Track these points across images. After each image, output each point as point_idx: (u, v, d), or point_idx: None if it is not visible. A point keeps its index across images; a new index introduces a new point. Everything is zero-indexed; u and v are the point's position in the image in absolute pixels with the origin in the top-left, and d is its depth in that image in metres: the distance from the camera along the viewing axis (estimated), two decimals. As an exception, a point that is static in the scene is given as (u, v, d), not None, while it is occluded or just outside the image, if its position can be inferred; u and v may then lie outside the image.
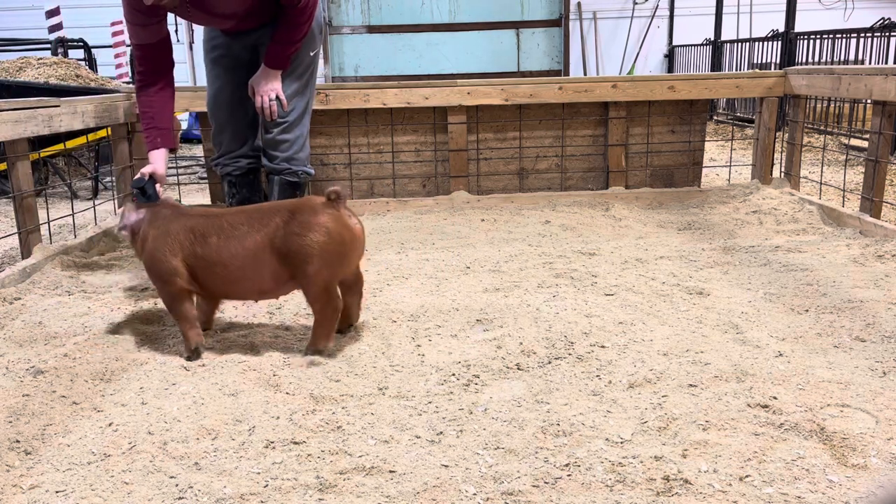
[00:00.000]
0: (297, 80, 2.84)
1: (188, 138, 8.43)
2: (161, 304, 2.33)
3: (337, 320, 1.95)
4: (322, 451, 1.48)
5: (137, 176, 2.40)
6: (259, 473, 1.41)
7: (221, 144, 2.99)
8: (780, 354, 1.88)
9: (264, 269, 1.92)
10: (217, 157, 3.02)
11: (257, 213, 1.96)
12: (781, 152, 4.00)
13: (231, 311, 2.32)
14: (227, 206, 3.01)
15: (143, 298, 2.45)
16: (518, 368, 1.84)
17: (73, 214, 3.44)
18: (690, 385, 1.72)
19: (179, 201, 2.70)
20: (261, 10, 2.67)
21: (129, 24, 2.51)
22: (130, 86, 6.21)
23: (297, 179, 2.91)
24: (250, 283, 1.95)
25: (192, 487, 1.37)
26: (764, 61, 7.95)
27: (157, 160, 2.53)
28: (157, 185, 2.44)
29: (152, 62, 2.55)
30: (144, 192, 2.36)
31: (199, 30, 9.85)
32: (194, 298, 2.03)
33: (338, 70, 9.97)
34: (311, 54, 2.87)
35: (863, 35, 6.58)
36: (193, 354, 1.95)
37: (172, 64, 2.62)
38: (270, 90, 2.76)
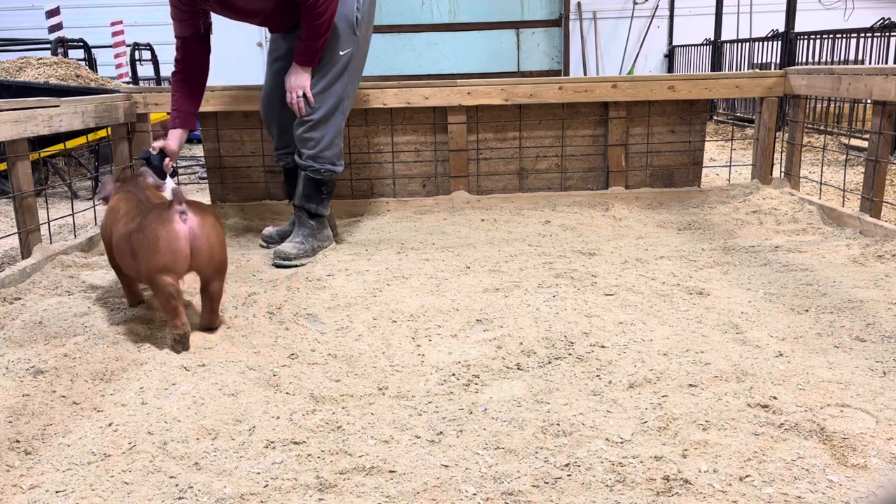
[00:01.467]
0: (322, 79, 2.89)
1: (188, 138, 8.44)
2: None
3: (175, 311, 1.98)
4: (322, 451, 1.48)
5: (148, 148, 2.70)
6: (259, 473, 1.41)
7: (273, 139, 3.20)
8: (780, 354, 1.88)
9: (128, 257, 2.09)
10: (274, 150, 3.24)
11: (144, 206, 2.12)
12: (781, 152, 4.00)
13: (231, 311, 2.32)
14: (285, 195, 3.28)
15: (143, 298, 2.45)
16: (518, 368, 1.84)
17: (73, 214, 3.44)
18: (690, 385, 1.72)
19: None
20: (284, 9, 2.78)
21: (172, 19, 2.82)
22: (130, 86, 6.21)
23: (320, 177, 2.95)
24: (129, 266, 2.12)
25: (192, 487, 1.37)
26: (764, 61, 7.95)
27: (172, 138, 2.84)
28: (167, 161, 2.77)
29: (185, 52, 2.86)
30: (149, 163, 2.66)
31: (199, 30, 9.87)
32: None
33: (338, 70, 9.96)
34: (341, 53, 2.89)
35: (863, 35, 6.58)
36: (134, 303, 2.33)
37: (204, 57, 2.89)
38: (298, 87, 2.86)
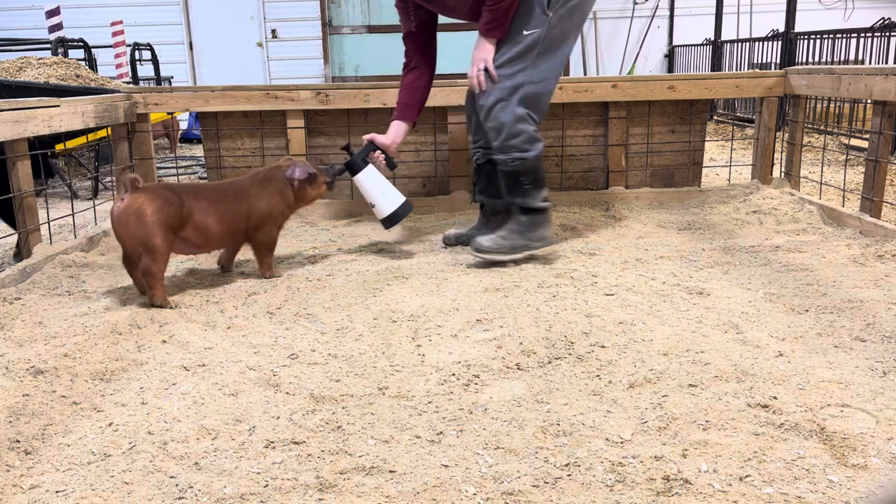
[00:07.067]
0: (501, 56, 2.68)
1: (188, 138, 8.43)
2: (160, 304, 2.36)
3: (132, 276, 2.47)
4: (322, 451, 1.48)
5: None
6: (259, 473, 1.41)
7: (470, 132, 3.06)
8: (780, 354, 1.88)
9: None
10: (470, 143, 3.10)
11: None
12: (781, 152, 4.00)
13: (231, 310, 2.32)
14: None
15: (143, 298, 2.45)
16: (518, 368, 1.84)
17: (73, 214, 3.44)
18: (690, 385, 1.72)
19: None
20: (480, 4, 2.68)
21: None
22: (130, 86, 6.21)
23: (510, 168, 2.74)
24: None
25: (192, 487, 1.37)
26: (764, 61, 7.95)
27: (390, 130, 2.91)
28: (377, 153, 2.89)
29: (407, 47, 2.94)
30: (349, 151, 2.89)
31: (198, 30, 9.88)
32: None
33: (338, 70, 9.98)
34: (525, 33, 2.66)
35: (863, 35, 6.58)
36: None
37: (423, 51, 2.93)
38: (479, 60, 2.70)
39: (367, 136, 2.92)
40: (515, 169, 2.74)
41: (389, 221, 2.93)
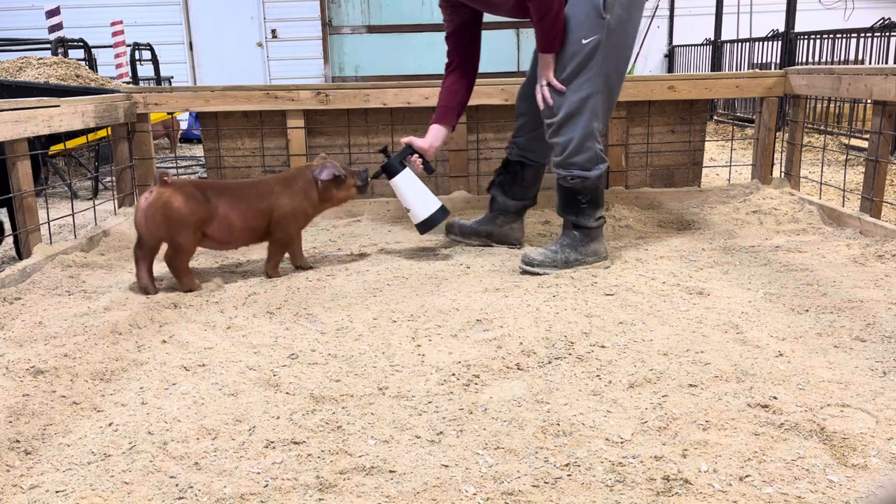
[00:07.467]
0: (563, 72, 2.59)
1: (188, 138, 8.43)
2: (158, 304, 2.35)
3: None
4: (322, 451, 1.48)
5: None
6: (259, 473, 1.41)
7: (515, 130, 3.01)
8: (780, 354, 1.88)
9: None
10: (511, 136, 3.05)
11: None
12: (781, 152, 4.00)
13: (231, 310, 2.32)
14: None
15: (143, 298, 2.45)
16: (518, 368, 1.84)
17: (73, 214, 3.44)
18: (690, 385, 1.72)
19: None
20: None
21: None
22: (130, 86, 6.21)
23: (569, 185, 2.67)
24: None
25: (192, 487, 1.37)
26: (764, 61, 7.95)
27: (429, 133, 2.86)
28: (415, 156, 2.86)
29: (449, 48, 2.87)
30: (386, 154, 2.90)
31: (198, 30, 9.88)
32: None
33: (338, 70, 9.98)
34: (584, 42, 2.53)
35: (863, 35, 6.58)
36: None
37: (468, 52, 2.86)
38: (542, 76, 2.64)
39: (405, 139, 2.89)
40: (574, 187, 2.66)
41: (425, 227, 2.89)
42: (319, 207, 2.73)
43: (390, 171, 2.88)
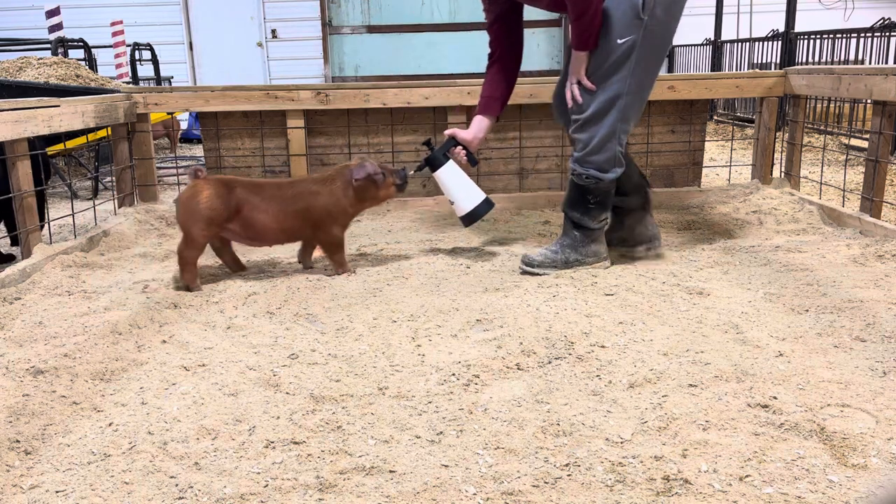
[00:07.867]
0: (596, 70, 2.54)
1: (188, 138, 8.43)
2: (158, 304, 2.35)
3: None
4: (322, 451, 1.48)
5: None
6: (259, 473, 1.41)
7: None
8: (780, 354, 1.88)
9: None
10: None
11: None
12: (781, 152, 4.00)
13: (231, 310, 2.32)
14: None
15: (143, 298, 2.45)
16: (518, 368, 1.84)
17: (73, 214, 3.44)
18: (690, 385, 1.72)
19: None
20: None
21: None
22: (130, 86, 6.21)
23: (583, 183, 2.62)
24: None
25: (192, 487, 1.37)
26: (764, 61, 7.95)
27: (472, 125, 2.86)
28: (458, 148, 2.85)
29: (492, 36, 2.84)
30: (429, 147, 2.90)
31: (198, 30, 9.88)
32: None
33: (338, 70, 9.98)
34: (619, 42, 2.48)
35: (863, 35, 6.58)
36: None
37: (509, 42, 2.83)
38: (574, 73, 2.60)
39: (448, 132, 2.87)
40: (587, 186, 2.62)
41: (469, 219, 2.87)
42: (359, 207, 2.71)
43: (434, 163, 2.86)
